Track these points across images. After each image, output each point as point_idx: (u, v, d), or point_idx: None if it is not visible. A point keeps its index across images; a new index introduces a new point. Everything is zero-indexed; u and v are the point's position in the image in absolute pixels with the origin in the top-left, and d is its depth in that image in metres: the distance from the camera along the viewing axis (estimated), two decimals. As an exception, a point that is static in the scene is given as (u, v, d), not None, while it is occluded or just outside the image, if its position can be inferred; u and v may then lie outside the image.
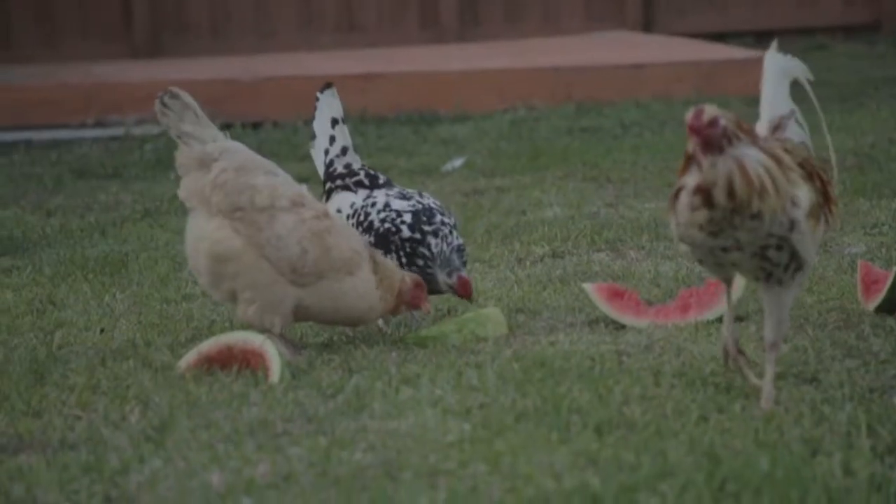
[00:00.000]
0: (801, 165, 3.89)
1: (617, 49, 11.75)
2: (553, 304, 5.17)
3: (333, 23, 13.03)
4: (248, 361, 4.51)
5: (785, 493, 3.23)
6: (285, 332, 4.66)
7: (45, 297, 5.67)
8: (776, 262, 3.84)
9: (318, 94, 5.13)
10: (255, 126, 10.19)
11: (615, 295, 4.90)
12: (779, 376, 4.17)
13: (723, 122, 3.77)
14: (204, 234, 4.62)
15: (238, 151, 4.70)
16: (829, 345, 4.48)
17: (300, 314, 4.68)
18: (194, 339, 4.85)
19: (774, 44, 4.34)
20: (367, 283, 4.64)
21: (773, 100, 4.17)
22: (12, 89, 10.44)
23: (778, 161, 3.81)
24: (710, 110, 3.78)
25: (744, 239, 3.79)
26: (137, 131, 10.00)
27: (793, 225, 3.79)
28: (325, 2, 12.94)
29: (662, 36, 12.83)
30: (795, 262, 3.84)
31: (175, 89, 4.68)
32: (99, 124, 10.18)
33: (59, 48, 12.39)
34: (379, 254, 4.76)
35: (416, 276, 4.75)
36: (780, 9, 13.62)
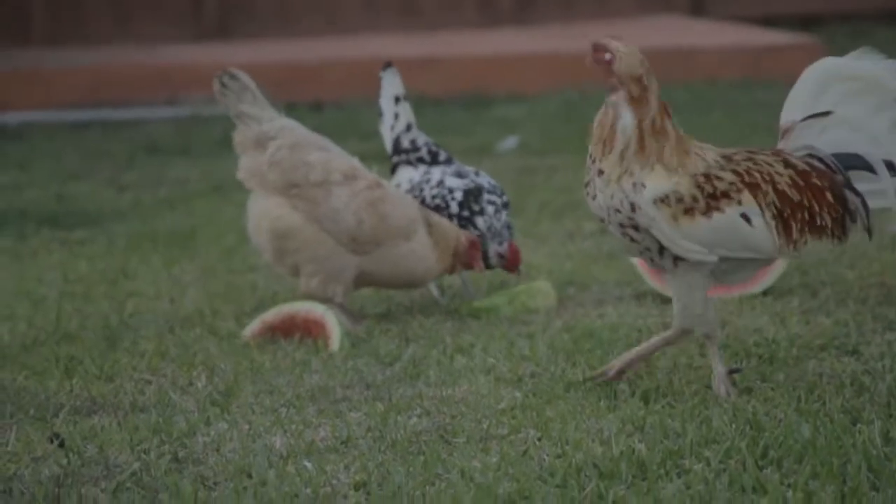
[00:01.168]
0: (737, 173, 3.82)
1: (666, 33, 11.81)
2: (602, 278, 5.30)
3: (395, 6, 13.15)
4: (309, 330, 4.66)
5: (826, 459, 3.30)
6: (346, 302, 4.82)
7: (117, 267, 5.85)
8: (643, 244, 3.85)
9: (381, 73, 5.24)
10: (319, 107, 10.33)
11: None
12: (820, 348, 4.28)
13: (609, 56, 3.83)
14: (264, 212, 4.77)
15: (293, 129, 4.81)
16: (870, 318, 4.57)
17: (362, 281, 4.82)
18: (258, 309, 5.00)
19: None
20: (423, 246, 4.77)
21: (788, 103, 3.98)
22: (87, 70, 10.67)
23: (658, 136, 3.82)
24: (610, 43, 3.85)
25: (601, 202, 3.85)
26: (205, 111, 10.17)
27: (633, 207, 3.81)
28: (385, -15, 13.06)
29: (711, 21, 12.87)
30: (669, 250, 3.84)
31: (234, 70, 4.80)
32: (169, 103, 10.37)
33: (131, 30, 12.57)
34: (434, 215, 4.87)
35: (471, 235, 4.86)
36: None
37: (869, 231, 3.91)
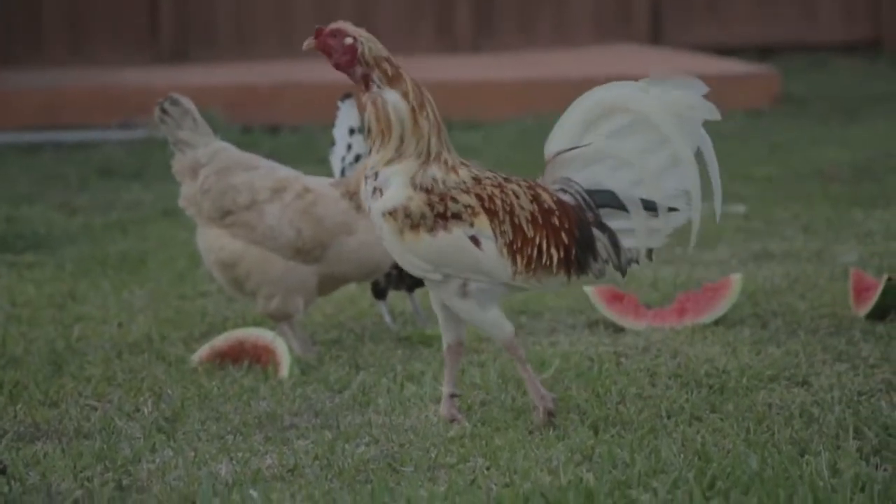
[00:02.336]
0: (480, 196, 3.82)
1: (624, 61, 11.88)
2: (554, 307, 5.29)
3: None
4: (258, 357, 4.63)
5: (773, 491, 3.29)
6: (298, 328, 4.79)
7: (65, 291, 5.80)
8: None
9: (339, 103, 5.22)
10: (274, 130, 10.31)
11: (615, 298, 5.03)
12: (770, 378, 4.29)
13: (350, 41, 3.82)
14: (208, 246, 4.75)
15: (223, 152, 4.77)
16: (820, 349, 4.59)
17: (328, 286, 4.79)
18: (208, 335, 4.98)
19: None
20: (367, 231, 4.71)
21: (555, 133, 3.91)
22: (42, 92, 10.61)
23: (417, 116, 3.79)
24: (343, 26, 3.84)
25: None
26: (160, 134, 10.12)
27: (368, 209, 3.85)
28: (343, 10, 13.07)
29: (668, 49, 12.95)
30: None
31: (175, 95, 4.76)
32: (123, 127, 10.33)
33: (88, 53, 12.54)
34: (351, 183, 4.78)
35: None
36: (782, 24, 13.70)
37: (621, 269, 3.88)
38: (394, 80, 3.83)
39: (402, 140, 3.81)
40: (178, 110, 4.74)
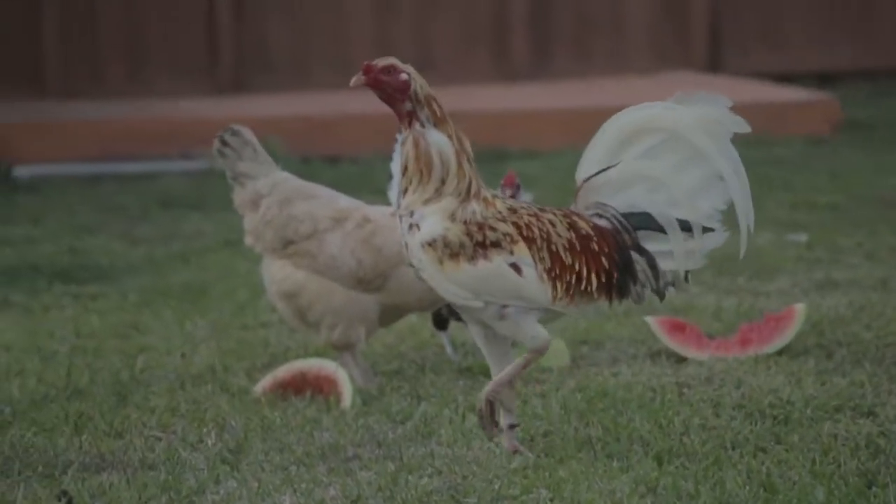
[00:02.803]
0: (517, 225, 3.81)
1: (681, 88, 11.84)
2: (616, 337, 5.27)
3: (409, 60, 13.23)
4: (321, 388, 4.65)
5: (840, 523, 3.28)
6: (360, 359, 4.80)
7: (129, 322, 5.84)
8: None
9: (398, 136, 5.22)
10: (333, 160, 10.36)
11: (677, 328, 5.00)
12: (836, 409, 4.25)
13: (405, 76, 3.83)
14: (272, 278, 4.76)
15: (284, 182, 4.78)
16: (886, 379, 4.54)
17: (389, 316, 4.79)
18: (270, 365, 4.99)
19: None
20: None
21: (585, 158, 3.92)
22: (102, 123, 10.72)
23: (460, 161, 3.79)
24: (395, 62, 3.83)
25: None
26: (220, 165, 10.20)
27: (406, 246, 3.83)
28: (401, 40, 13.13)
29: (727, 77, 12.91)
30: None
31: (236, 126, 4.77)
32: (183, 157, 10.41)
33: (147, 84, 12.66)
34: None
35: None
36: (842, 51, 13.61)
37: (660, 293, 3.87)
38: (440, 121, 3.84)
39: (442, 181, 3.82)
40: (239, 141, 4.76)
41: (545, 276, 3.82)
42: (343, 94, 12.44)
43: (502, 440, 3.98)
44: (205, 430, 4.31)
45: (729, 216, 3.88)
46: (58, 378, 4.97)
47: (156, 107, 11.53)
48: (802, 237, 7.28)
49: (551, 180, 9.40)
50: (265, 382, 4.71)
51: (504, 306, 3.84)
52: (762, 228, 7.64)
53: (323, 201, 4.79)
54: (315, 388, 4.65)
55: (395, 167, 5.20)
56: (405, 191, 3.84)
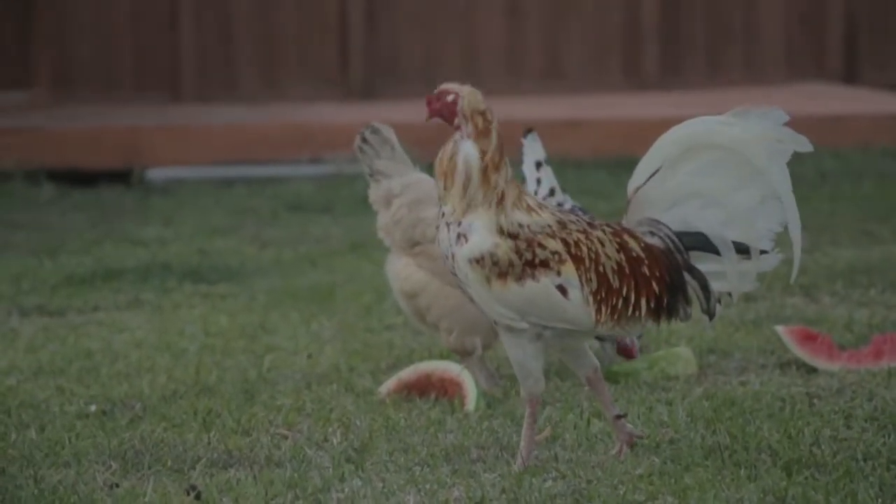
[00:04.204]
0: (566, 242, 3.74)
1: (817, 100, 11.68)
2: (745, 346, 5.20)
3: (538, 68, 13.21)
4: (445, 390, 4.65)
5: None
6: (485, 362, 4.79)
7: (257, 323, 5.91)
8: (469, 296, 3.81)
9: (523, 140, 5.23)
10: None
11: (808, 338, 4.92)
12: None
13: (452, 97, 3.81)
14: (395, 274, 4.78)
15: (418, 184, 4.79)
16: None
17: None
18: (395, 367, 5.00)
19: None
20: None
21: (639, 168, 3.82)
22: (235, 128, 10.87)
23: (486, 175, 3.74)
24: (447, 86, 3.84)
25: (443, 241, 3.81)
26: (349, 169, 10.28)
27: (452, 257, 3.77)
28: (531, 49, 13.13)
29: (863, 88, 12.69)
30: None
31: (376, 124, 4.80)
32: (313, 162, 10.51)
33: (279, 89, 12.81)
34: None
35: None
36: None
37: (710, 313, 3.78)
38: (482, 133, 3.81)
39: (464, 188, 3.78)
40: (378, 139, 4.79)
41: (591, 298, 3.75)
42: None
43: (615, 436, 3.95)
44: (330, 429, 4.33)
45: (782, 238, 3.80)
46: (187, 375, 5.04)
47: (287, 111, 11.66)
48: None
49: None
50: (390, 383, 4.73)
51: (545, 327, 3.80)
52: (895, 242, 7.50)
53: None
54: (439, 390, 4.66)
55: (526, 169, 5.21)
56: (439, 196, 3.84)
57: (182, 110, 11.97)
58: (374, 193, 4.84)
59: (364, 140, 4.79)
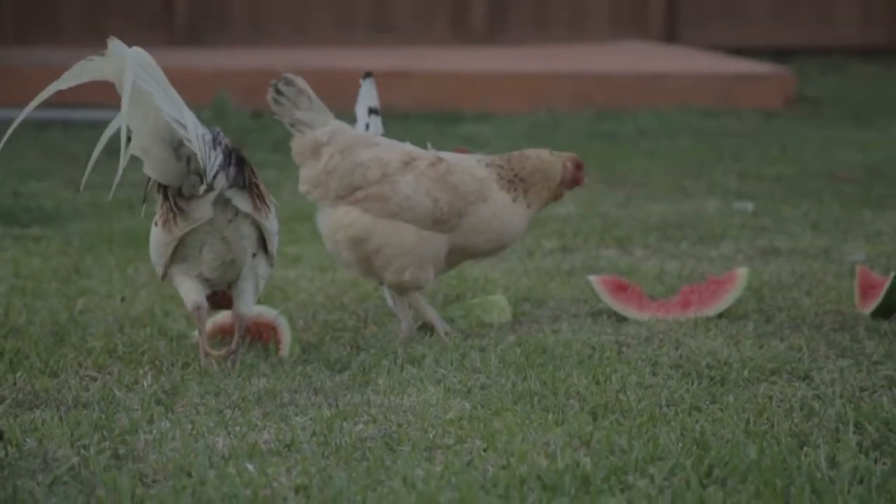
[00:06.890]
0: None
1: (638, 58, 11.88)
2: (558, 295, 5.28)
3: (367, 20, 13.17)
4: (260, 334, 4.62)
5: (770, 480, 3.29)
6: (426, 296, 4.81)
7: (71, 266, 5.80)
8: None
9: (361, 81, 5.17)
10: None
11: (619, 288, 5.01)
12: (772, 372, 4.28)
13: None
14: (337, 224, 4.67)
15: (343, 131, 4.73)
16: (823, 345, 4.57)
17: (456, 257, 4.75)
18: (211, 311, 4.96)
19: None
20: (502, 203, 4.70)
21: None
22: (57, 70, 10.61)
23: None
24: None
25: None
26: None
27: None
28: (360, 0, 13.09)
29: (683, 47, 12.94)
30: None
31: (289, 75, 4.66)
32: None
33: (102, 33, 12.57)
34: (516, 165, 4.78)
35: (574, 157, 4.82)
36: (799, 27, 13.69)
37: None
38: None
39: None
40: (293, 90, 4.67)
41: None
42: (298, 50, 12.41)
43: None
44: (141, 371, 4.29)
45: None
46: (-6, 317, 4.94)
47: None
48: (749, 206, 7.32)
49: (503, 144, 9.40)
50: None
51: None
52: (709, 195, 7.68)
53: (385, 147, 4.74)
54: (255, 334, 4.63)
55: (359, 111, 5.16)
56: None
57: (2, 52, 11.68)
58: (299, 145, 4.72)
59: (279, 92, 4.67)
